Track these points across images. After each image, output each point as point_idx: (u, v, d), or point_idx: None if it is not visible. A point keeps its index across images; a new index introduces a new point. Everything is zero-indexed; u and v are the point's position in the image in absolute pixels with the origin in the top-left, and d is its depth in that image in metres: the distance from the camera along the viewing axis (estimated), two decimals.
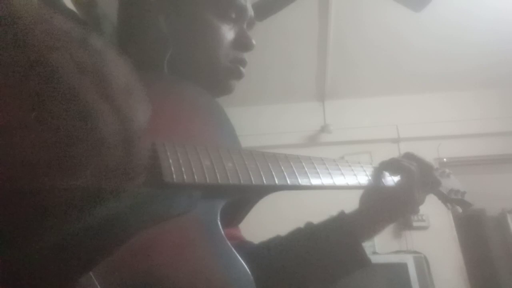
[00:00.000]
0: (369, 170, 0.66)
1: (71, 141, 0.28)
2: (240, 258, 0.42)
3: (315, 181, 0.53)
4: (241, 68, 0.68)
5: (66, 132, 0.28)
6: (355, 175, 0.61)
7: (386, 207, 0.68)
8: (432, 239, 2.85)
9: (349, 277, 0.65)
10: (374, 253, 2.74)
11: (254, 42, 0.69)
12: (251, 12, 0.71)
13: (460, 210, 0.75)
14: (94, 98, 0.30)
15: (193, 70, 0.65)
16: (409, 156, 0.72)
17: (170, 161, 0.41)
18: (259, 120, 3.37)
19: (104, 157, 0.30)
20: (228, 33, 0.67)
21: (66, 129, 0.28)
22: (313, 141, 3.32)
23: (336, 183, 0.56)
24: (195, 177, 0.42)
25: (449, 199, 0.75)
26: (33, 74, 0.28)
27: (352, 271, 0.65)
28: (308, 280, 0.65)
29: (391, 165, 0.69)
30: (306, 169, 0.54)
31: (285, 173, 0.50)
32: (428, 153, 2.91)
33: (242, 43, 0.68)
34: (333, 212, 0.70)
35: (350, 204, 0.71)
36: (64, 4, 0.63)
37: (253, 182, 0.47)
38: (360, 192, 0.71)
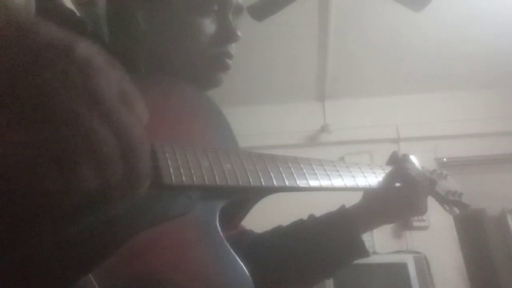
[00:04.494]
0: (367, 172, 0.67)
1: (66, 160, 0.27)
2: (239, 260, 0.42)
3: (313, 183, 0.53)
4: (227, 60, 0.66)
5: (60, 152, 0.27)
6: (353, 176, 0.62)
7: (388, 208, 0.70)
8: (432, 239, 2.85)
9: (348, 268, 0.67)
10: (374, 253, 2.74)
11: (239, 33, 0.66)
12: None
13: (457, 211, 0.76)
14: (85, 116, 0.28)
15: (171, 67, 0.63)
16: (406, 159, 0.74)
17: (169, 162, 0.41)
18: (259, 120, 3.36)
19: (105, 172, 0.28)
20: (209, 27, 0.64)
21: (59, 150, 0.27)
22: (313, 141, 3.32)
23: (334, 185, 0.57)
24: (194, 178, 0.42)
25: (446, 200, 0.76)
26: (19, 99, 0.26)
27: (350, 261, 0.67)
28: (307, 268, 0.67)
29: (400, 175, 0.70)
30: (304, 170, 0.54)
31: (283, 175, 0.50)
32: (428, 153, 2.91)
33: (225, 36, 0.65)
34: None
35: (350, 204, 0.72)
36: (63, 3, 0.63)
37: (252, 184, 0.47)
38: (359, 193, 0.72)
